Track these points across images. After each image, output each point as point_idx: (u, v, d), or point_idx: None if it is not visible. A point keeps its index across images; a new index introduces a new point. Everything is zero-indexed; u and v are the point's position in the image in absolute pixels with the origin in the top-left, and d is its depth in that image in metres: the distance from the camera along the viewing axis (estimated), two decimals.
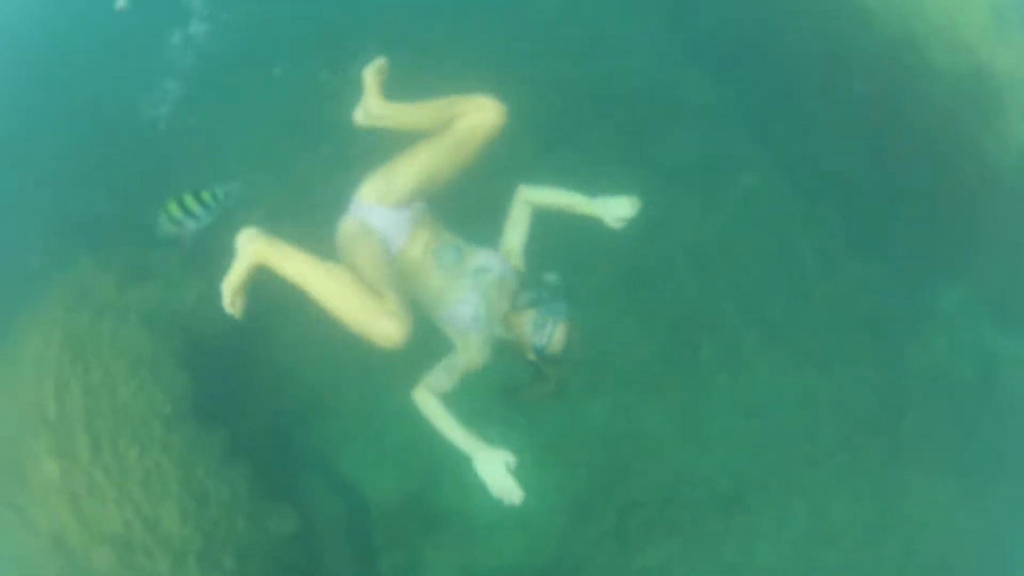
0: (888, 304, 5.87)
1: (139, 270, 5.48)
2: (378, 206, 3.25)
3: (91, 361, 4.98)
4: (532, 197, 3.52)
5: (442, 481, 5.08)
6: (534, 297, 3.20)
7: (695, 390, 5.34)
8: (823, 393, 5.45)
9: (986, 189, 5.79)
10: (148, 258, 5.51)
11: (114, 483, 4.51)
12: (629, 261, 5.43)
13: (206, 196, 3.98)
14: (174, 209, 3.93)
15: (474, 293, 3.26)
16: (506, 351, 3.30)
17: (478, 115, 3.26)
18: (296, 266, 2.94)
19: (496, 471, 3.03)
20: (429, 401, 3.19)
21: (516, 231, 3.51)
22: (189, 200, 3.96)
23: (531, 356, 3.16)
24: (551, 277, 3.31)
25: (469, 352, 3.30)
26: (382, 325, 2.79)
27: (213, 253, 5.27)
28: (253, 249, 2.96)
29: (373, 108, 3.51)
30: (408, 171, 3.26)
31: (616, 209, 3.51)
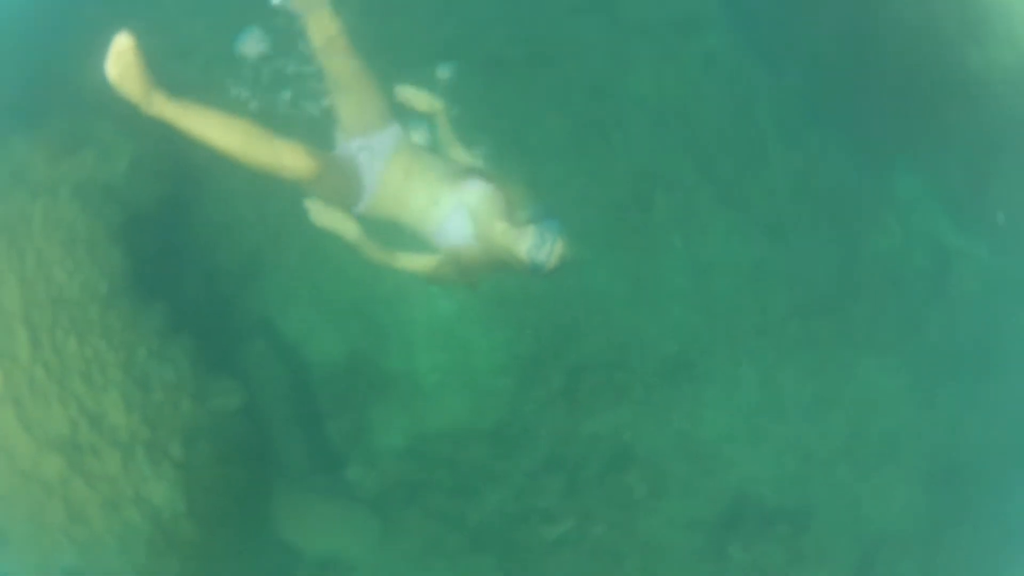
0: (846, 183, 6.02)
1: (72, 140, 5.28)
2: (347, 139, 3.54)
3: (25, 247, 4.91)
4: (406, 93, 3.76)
5: (388, 341, 5.20)
6: (531, 214, 3.33)
7: (647, 248, 5.28)
8: (776, 263, 5.52)
9: (959, 91, 5.89)
10: (81, 126, 5.30)
11: (55, 380, 4.57)
12: (583, 113, 5.10)
13: None
14: None
15: (460, 209, 3.43)
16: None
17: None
18: (197, 120, 3.03)
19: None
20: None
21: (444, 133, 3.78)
22: None
23: (523, 269, 3.32)
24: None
25: (454, 265, 3.48)
26: (289, 157, 3.12)
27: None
28: (152, 100, 2.92)
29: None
30: (342, 105, 3.57)
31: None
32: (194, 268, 5.14)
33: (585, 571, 5.03)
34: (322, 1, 3.48)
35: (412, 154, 3.56)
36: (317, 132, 3.56)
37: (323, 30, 3.50)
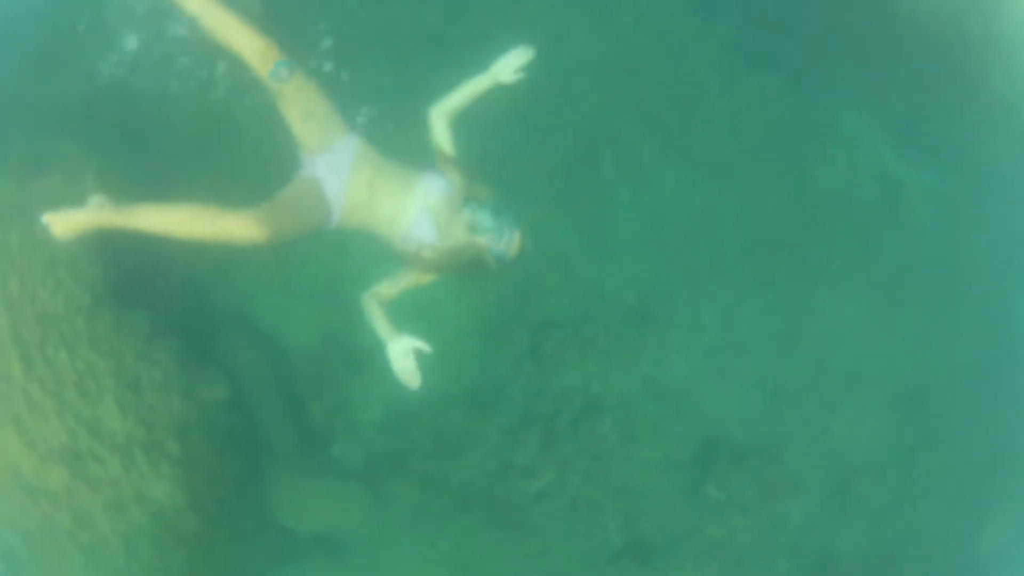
0: (788, 121, 6.32)
1: (36, 163, 5.63)
2: (310, 156, 3.60)
3: (7, 273, 5.26)
4: (442, 110, 3.80)
5: (358, 318, 5.48)
6: (486, 208, 3.52)
7: (599, 204, 5.62)
8: (725, 206, 5.86)
9: (892, 25, 6.23)
10: (42, 148, 5.65)
11: (51, 394, 4.92)
12: (524, 84, 5.41)
13: None
14: None
15: (424, 214, 3.62)
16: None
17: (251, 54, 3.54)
18: (146, 219, 3.23)
19: (402, 356, 3.43)
20: (371, 304, 3.61)
21: (444, 143, 3.80)
22: None
23: (489, 262, 3.54)
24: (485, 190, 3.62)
25: (424, 267, 3.66)
26: (238, 227, 3.27)
27: (109, 128, 5.49)
28: (101, 213, 3.18)
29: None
30: (297, 127, 3.62)
31: (510, 66, 3.91)
32: (169, 271, 5.50)
33: (567, 520, 5.43)
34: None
35: (372, 163, 3.69)
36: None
37: (256, 50, 3.58)
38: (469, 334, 5.49)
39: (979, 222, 6.86)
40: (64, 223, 3.21)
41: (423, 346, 3.41)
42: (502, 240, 3.49)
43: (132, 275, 5.34)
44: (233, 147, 5.39)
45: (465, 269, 3.67)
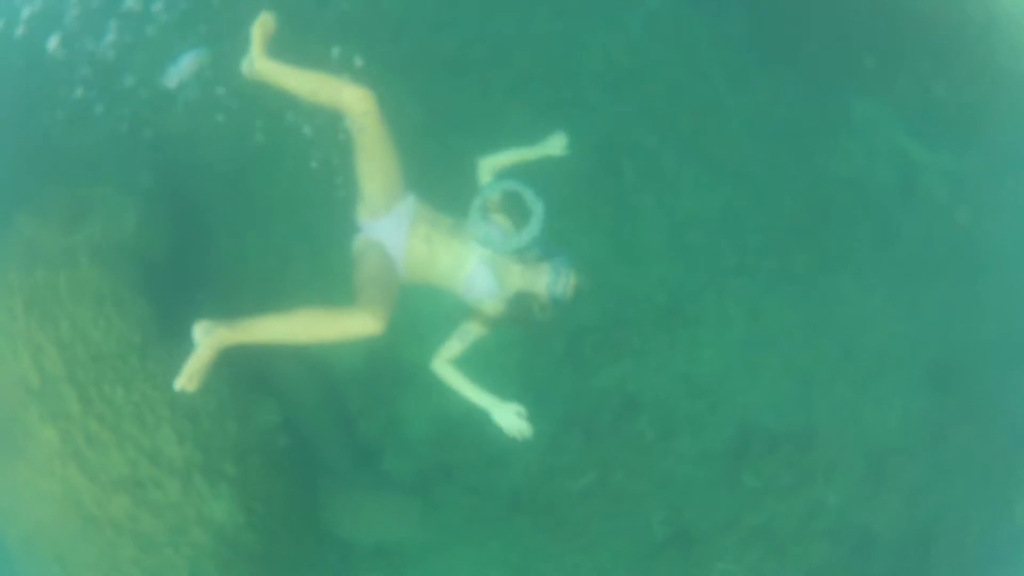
0: (801, 116, 6.60)
1: (77, 208, 5.95)
2: (372, 220, 3.91)
3: (57, 316, 5.57)
4: (491, 164, 4.18)
5: (402, 338, 5.82)
6: (542, 253, 3.91)
7: (623, 211, 5.87)
8: (744, 203, 6.16)
9: (894, 13, 6.58)
10: (81, 194, 5.95)
11: (109, 428, 5.25)
12: (543, 99, 5.76)
13: None
14: None
15: (482, 264, 3.94)
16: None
17: (352, 108, 3.77)
18: (263, 332, 3.36)
19: (510, 420, 4.02)
20: (446, 370, 4.03)
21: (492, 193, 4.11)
22: None
23: (546, 305, 3.91)
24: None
25: (486, 315, 4.02)
26: (354, 324, 3.32)
27: (143, 173, 5.82)
28: (214, 339, 3.29)
29: (256, 63, 3.84)
30: (368, 183, 3.88)
31: (560, 143, 4.39)
32: (213, 303, 5.80)
33: (612, 516, 5.75)
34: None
35: (428, 219, 3.96)
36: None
37: (360, 101, 3.75)
38: (507, 346, 5.83)
39: (996, 198, 7.17)
40: (192, 376, 3.32)
41: (521, 409, 3.98)
42: (559, 282, 3.83)
43: (177, 307, 5.64)
44: (269, 186, 5.71)
45: (525, 316, 3.98)
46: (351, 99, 3.73)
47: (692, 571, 5.96)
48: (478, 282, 3.97)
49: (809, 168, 6.51)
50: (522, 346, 5.91)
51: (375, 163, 3.85)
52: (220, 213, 5.72)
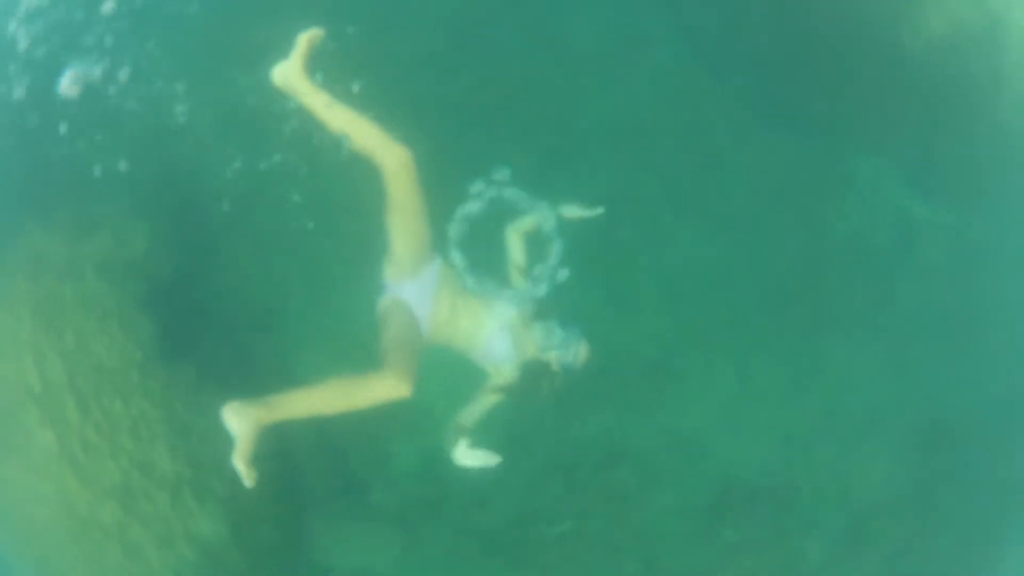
0: (802, 174, 6.72)
1: (86, 223, 6.16)
2: (400, 280, 4.01)
3: (62, 325, 5.81)
4: (518, 229, 4.33)
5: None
6: (555, 323, 4.10)
7: (617, 264, 6.01)
8: (741, 259, 6.35)
9: (899, 68, 6.66)
10: (92, 209, 6.17)
11: (106, 438, 5.52)
12: (547, 148, 5.91)
13: None
14: None
15: (501, 331, 4.14)
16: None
17: (387, 164, 3.82)
18: (294, 408, 3.49)
19: (467, 457, 4.08)
20: (467, 455, 4.11)
21: (517, 255, 4.34)
22: None
23: (557, 371, 4.11)
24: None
25: (503, 379, 4.21)
26: (385, 389, 3.43)
27: (154, 193, 6.02)
28: (249, 422, 3.42)
29: (292, 77, 3.80)
30: (398, 243, 3.96)
31: (577, 211, 4.49)
32: (214, 326, 6.05)
33: (587, 563, 5.96)
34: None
35: (453, 285, 4.10)
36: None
37: (398, 160, 3.81)
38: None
39: (996, 257, 7.33)
40: (246, 464, 3.45)
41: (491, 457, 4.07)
42: (570, 352, 4.06)
43: (179, 328, 5.91)
44: (275, 218, 5.89)
45: (535, 382, 4.16)
46: (391, 158, 3.78)
47: None
48: (496, 347, 4.13)
49: (807, 226, 6.72)
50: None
51: (406, 224, 3.91)
52: (226, 241, 5.95)
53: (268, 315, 6.16)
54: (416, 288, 4.00)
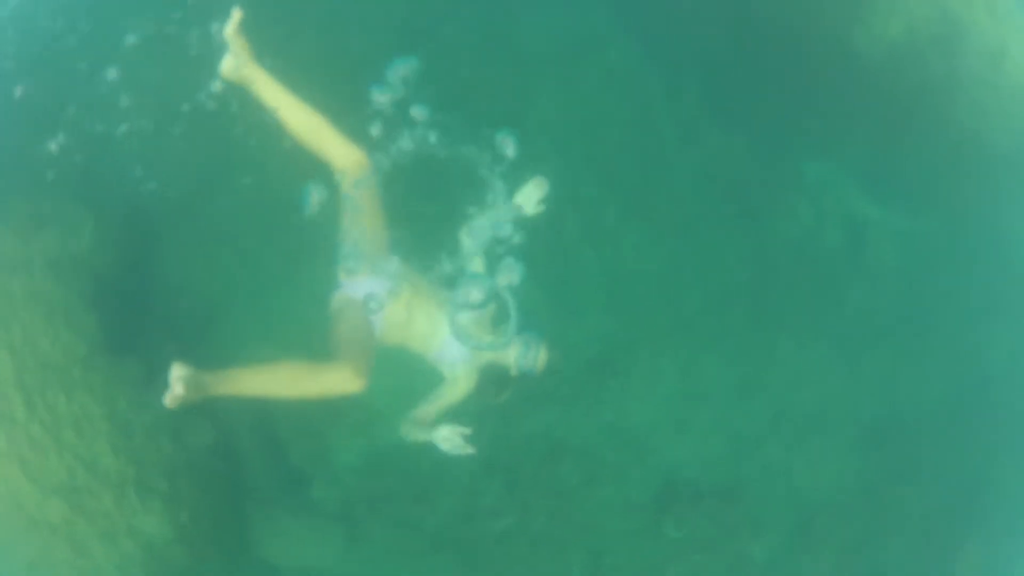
0: (751, 175, 6.87)
1: (37, 218, 6.26)
2: (353, 278, 4.01)
3: (9, 320, 5.88)
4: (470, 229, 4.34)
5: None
6: (513, 327, 4.05)
7: (561, 264, 6.10)
8: (686, 260, 6.45)
9: (851, 73, 6.81)
10: (42, 204, 6.27)
11: (51, 435, 5.61)
12: (490, 143, 5.98)
13: None
14: None
15: (457, 334, 4.10)
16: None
17: (342, 164, 3.91)
18: (242, 384, 3.50)
19: (447, 439, 4.14)
20: (410, 430, 4.20)
21: (474, 262, 4.35)
22: None
23: (514, 375, 4.19)
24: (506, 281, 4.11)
25: (458, 383, 4.27)
26: (338, 382, 3.44)
27: (101, 185, 6.10)
28: (193, 387, 3.33)
29: (242, 66, 3.78)
30: (354, 242, 3.97)
31: (531, 198, 4.53)
32: (158, 322, 6.13)
33: (531, 559, 6.08)
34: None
35: (410, 285, 4.08)
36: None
37: (354, 161, 3.88)
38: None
39: (947, 259, 7.54)
40: (187, 388, 3.27)
41: (463, 429, 4.12)
42: (529, 355, 4.12)
43: (124, 323, 5.99)
44: (221, 212, 5.99)
45: (492, 385, 4.24)
46: (346, 159, 3.84)
47: None
48: (451, 350, 4.15)
49: (755, 226, 6.89)
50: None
51: (362, 224, 3.94)
52: (171, 235, 6.03)
53: (210, 311, 6.26)
54: (371, 286, 3.99)
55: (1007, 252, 7.66)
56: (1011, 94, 7.27)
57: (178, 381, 3.32)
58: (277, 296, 6.05)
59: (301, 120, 3.82)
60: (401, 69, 4.12)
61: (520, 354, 4.12)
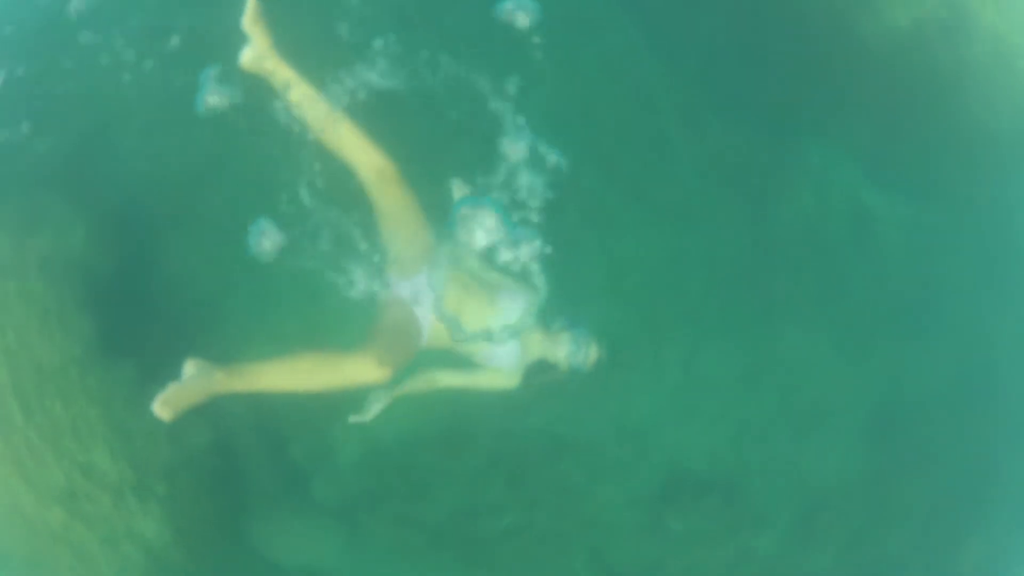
0: (753, 160, 6.84)
1: (29, 220, 6.27)
2: (402, 279, 4.01)
3: (4, 323, 5.91)
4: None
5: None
6: (564, 323, 4.25)
7: (561, 251, 6.08)
8: (688, 249, 6.51)
9: (857, 60, 6.86)
10: (34, 206, 6.27)
11: (48, 440, 5.68)
12: (486, 129, 5.98)
13: None
14: None
15: (505, 332, 4.12)
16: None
17: (365, 168, 3.91)
18: (259, 380, 3.55)
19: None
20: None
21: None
22: None
23: (565, 370, 4.28)
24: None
25: (499, 375, 4.36)
26: (362, 371, 3.46)
27: (93, 189, 6.10)
28: (210, 383, 3.36)
29: (263, 57, 3.75)
30: (393, 246, 4.00)
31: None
32: (155, 322, 6.13)
33: (535, 555, 6.11)
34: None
35: (459, 285, 4.07)
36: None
37: (371, 164, 3.86)
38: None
39: (953, 247, 7.52)
40: (173, 404, 3.32)
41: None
42: (580, 353, 4.19)
43: (119, 324, 6.00)
44: (218, 211, 5.99)
45: (541, 380, 4.33)
46: (370, 166, 3.82)
47: None
48: (501, 352, 4.19)
49: (758, 213, 6.90)
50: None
51: (397, 228, 3.94)
52: (168, 233, 6.03)
53: (209, 310, 6.23)
54: (419, 289, 3.95)
55: (1013, 240, 7.66)
56: (1018, 83, 7.31)
57: (164, 406, 3.36)
58: (278, 296, 6.06)
59: (322, 116, 3.79)
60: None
61: (571, 351, 4.14)
